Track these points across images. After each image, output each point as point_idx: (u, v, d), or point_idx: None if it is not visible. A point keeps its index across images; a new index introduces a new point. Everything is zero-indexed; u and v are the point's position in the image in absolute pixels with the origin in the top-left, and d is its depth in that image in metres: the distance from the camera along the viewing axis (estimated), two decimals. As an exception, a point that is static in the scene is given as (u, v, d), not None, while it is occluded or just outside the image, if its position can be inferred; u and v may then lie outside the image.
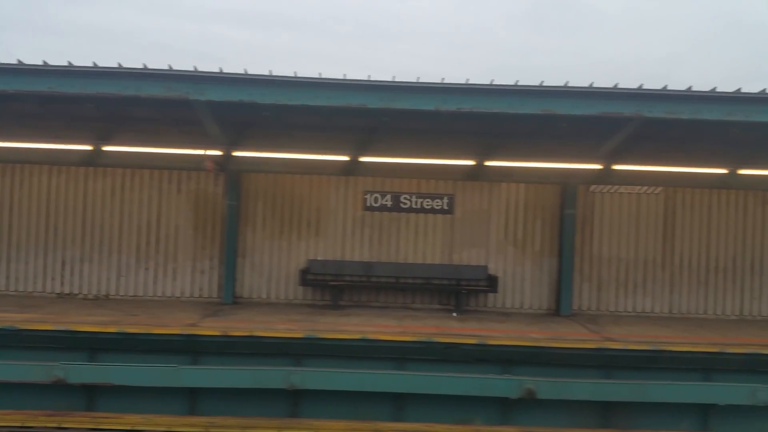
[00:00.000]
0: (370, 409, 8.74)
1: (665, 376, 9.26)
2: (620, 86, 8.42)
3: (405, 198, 12.16)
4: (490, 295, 12.13)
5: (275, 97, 8.33)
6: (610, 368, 9.36)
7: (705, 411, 8.84)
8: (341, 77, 8.34)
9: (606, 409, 8.77)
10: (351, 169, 11.79)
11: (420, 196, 12.18)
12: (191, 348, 9.23)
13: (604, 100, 8.37)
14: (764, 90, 8.44)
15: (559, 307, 11.93)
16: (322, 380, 8.58)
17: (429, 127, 10.55)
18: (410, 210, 12.19)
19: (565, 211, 11.87)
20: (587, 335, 9.86)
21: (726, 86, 8.58)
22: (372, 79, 8.37)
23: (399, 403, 8.84)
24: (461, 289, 11.73)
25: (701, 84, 8.63)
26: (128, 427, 8.13)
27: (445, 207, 12.19)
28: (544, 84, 8.45)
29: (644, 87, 8.39)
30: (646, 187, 12.11)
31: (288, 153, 10.73)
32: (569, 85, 8.45)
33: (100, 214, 12.16)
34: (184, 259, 12.13)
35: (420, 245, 12.22)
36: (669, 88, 8.45)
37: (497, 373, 9.07)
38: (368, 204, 12.17)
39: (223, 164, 10.99)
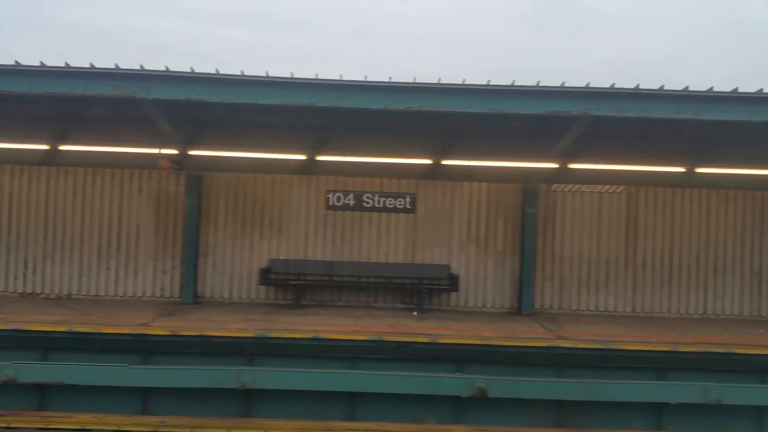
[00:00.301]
0: (324, 408, 8.74)
1: (620, 375, 9.29)
2: (567, 84, 8.42)
3: (368, 197, 12.15)
4: (453, 294, 12.12)
5: (222, 95, 8.32)
6: (563, 367, 9.39)
7: (659, 409, 8.83)
8: (288, 76, 8.34)
9: (561, 408, 8.75)
10: (313, 168, 11.76)
11: (382, 195, 12.17)
12: (142, 347, 9.26)
13: (551, 99, 8.37)
14: (711, 88, 8.45)
15: (521, 306, 11.93)
16: (273, 380, 8.57)
17: (386, 126, 10.55)
18: (373, 209, 12.18)
19: (526, 210, 11.88)
20: (540, 333, 9.85)
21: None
22: (319, 77, 8.36)
23: (353, 403, 8.83)
24: (421, 288, 11.72)
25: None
26: (78, 426, 8.13)
27: (408, 206, 12.19)
28: (491, 83, 8.44)
29: (591, 85, 8.39)
30: (608, 186, 12.11)
31: (245, 152, 10.67)
32: (516, 84, 8.44)
33: (62, 214, 12.13)
34: (145, 259, 12.10)
35: (383, 244, 12.21)
36: (617, 86, 8.46)
37: (452, 372, 9.10)
38: (331, 203, 12.16)
39: (181, 163, 10.96)
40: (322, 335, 9.19)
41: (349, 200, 12.14)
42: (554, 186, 12.09)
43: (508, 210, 12.21)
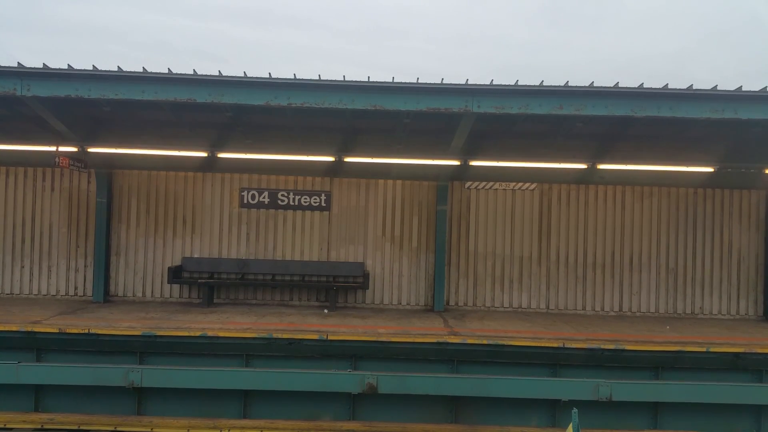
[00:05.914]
0: (218, 406, 8.70)
1: (516, 371, 9.31)
2: (446, 81, 8.41)
3: (282, 195, 12.12)
4: (368, 292, 12.11)
5: (101, 91, 8.24)
6: (459, 363, 9.41)
7: (553, 406, 8.81)
8: (166, 72, 8.29)
9: (456, 404, 8.68)
10: (225, 166, 11.72)
11: (297, 193, 12.14)
12: (33, 345, 9.25)
13: (432, 96, 8.33)
14: (592, 83, 8.46)
15: (435, 303, 11.93)
16: (161, 378, 8.52)
17: (289, 124, 10.51)
18: (288, 207, 12.15)
19: (438, 207, 11.87)
20: (437, 330, 9.83)
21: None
22: (198, 73, 8.31)
23: (248, 400, 8.80)
24: (332, 286, 11.68)
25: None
26: (-38, 425, 8.08)
27: (323, 204, 12.16)
28: (372, 80, 8.43)
29: (470, 82, 8.39)
30: (521, 184, 12.12)
31: (147, 149, 10.60)
32: (396, 80, 8.43)
33: (-26, 213, 12.06)
34: (59, 258, 12.04)
35: (297, 242, 12.18)
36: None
37: (347, 369, 9.09)
38: (245, 201, 12.11)
39: (85, 161, 10.89)
40: (211, 333, 9.16)
41: (263, 198, 12.10)
42: (468, 183, 12.11)
43: (423, 207, 12.20)
